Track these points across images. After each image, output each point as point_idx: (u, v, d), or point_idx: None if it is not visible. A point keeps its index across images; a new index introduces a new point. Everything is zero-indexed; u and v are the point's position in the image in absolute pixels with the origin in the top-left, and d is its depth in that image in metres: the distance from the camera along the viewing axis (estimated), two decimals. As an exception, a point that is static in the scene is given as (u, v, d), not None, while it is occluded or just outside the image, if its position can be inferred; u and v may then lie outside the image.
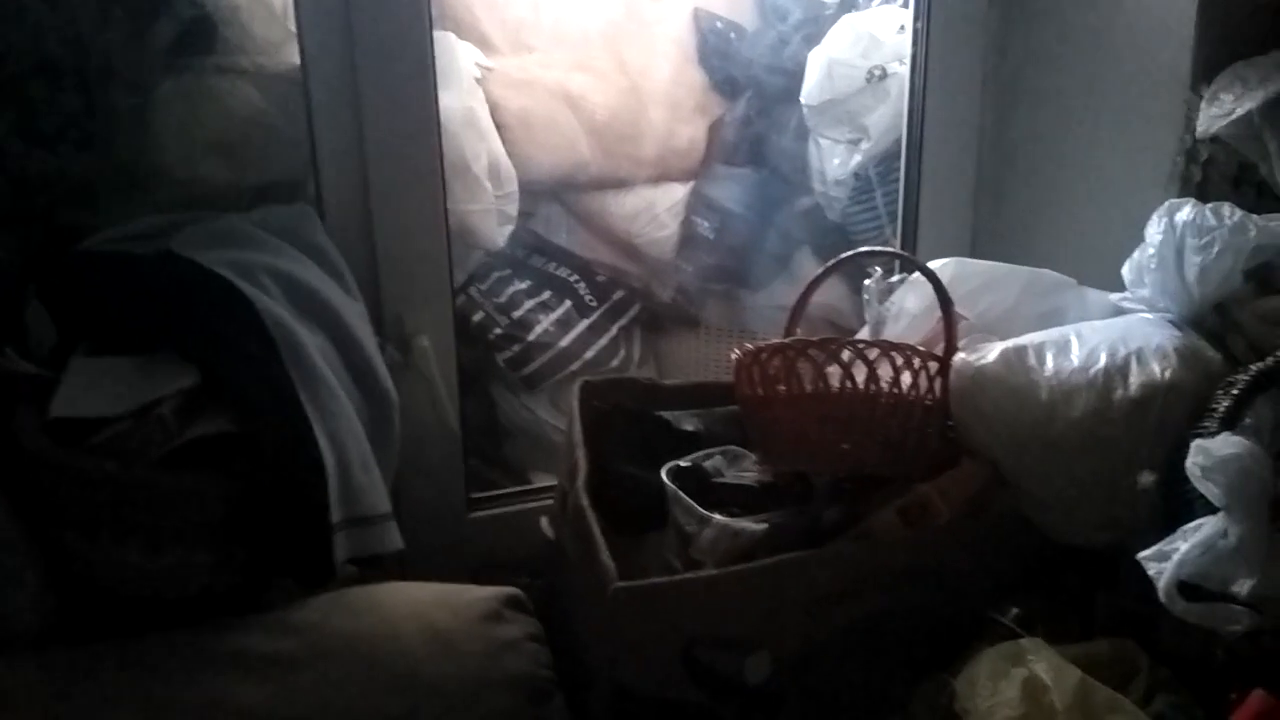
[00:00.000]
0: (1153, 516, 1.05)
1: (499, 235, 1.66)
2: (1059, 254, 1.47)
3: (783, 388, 1.17)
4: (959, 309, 1.27)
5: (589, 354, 1.89)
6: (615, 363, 1.91)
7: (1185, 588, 0.93)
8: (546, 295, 1.89)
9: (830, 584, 1.11)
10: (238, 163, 1.30)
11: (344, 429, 1.14)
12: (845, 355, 1.15)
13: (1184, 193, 1.31)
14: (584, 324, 1.89)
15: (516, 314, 1.85)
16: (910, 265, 1.26)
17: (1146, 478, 1.02)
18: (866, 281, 1.34)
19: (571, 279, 1.91)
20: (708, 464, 1.25)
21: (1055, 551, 1.17)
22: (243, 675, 1.00)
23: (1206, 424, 1.01)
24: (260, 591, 1.11)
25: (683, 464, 1.24)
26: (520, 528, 1.53)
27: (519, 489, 1.63)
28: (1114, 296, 1.28)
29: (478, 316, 1.84)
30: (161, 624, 1.04)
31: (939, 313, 1.22)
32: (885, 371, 1.16)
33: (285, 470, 1.05)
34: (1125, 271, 1.25)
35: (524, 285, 1.89)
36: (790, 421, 1.18)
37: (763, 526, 1.14)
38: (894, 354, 1.16)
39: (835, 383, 1.15)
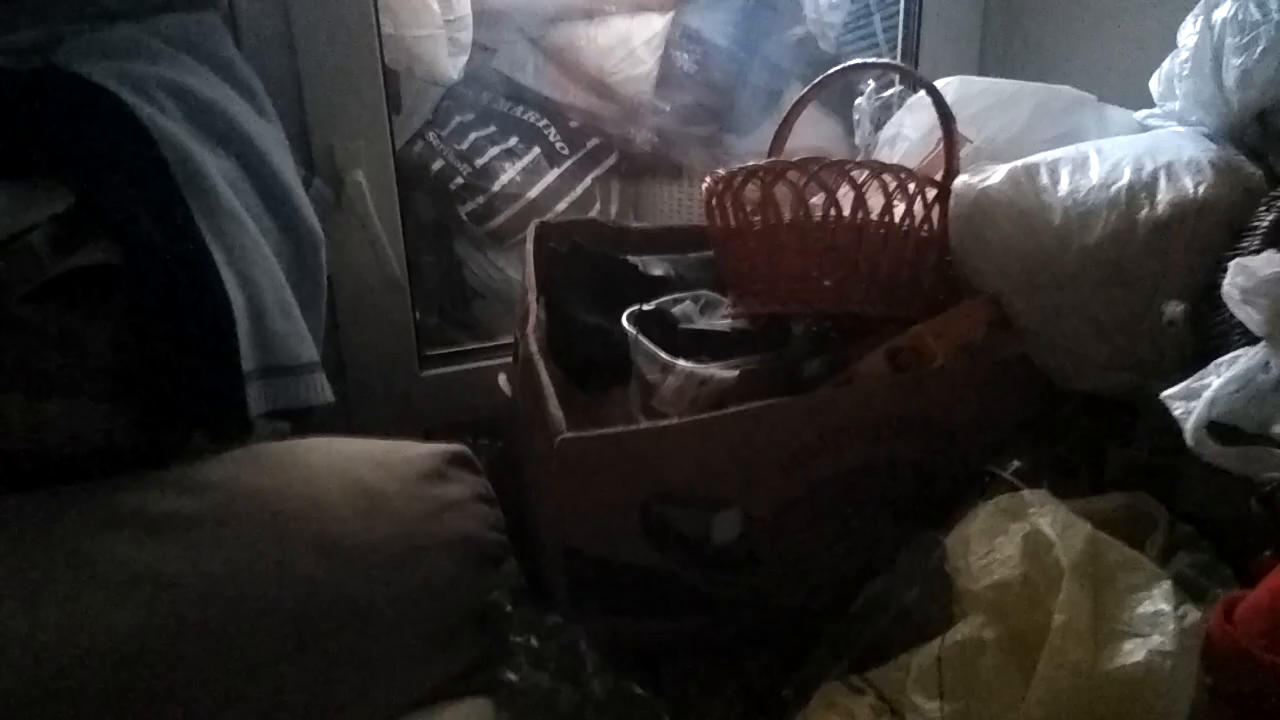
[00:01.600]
0: (1178, 354, 0.92)
1: (451, 67, 1.49)
2: (1076, 77, 1.30)
3: (758, 217, 1.03)
4: (963, 132, 1.12)
5: (561, 206, 1.73)
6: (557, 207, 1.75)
7: (1216, 429, 0.80)
8: (513, 142, 1.73)
9: (810, 434, 0.98)
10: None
11: (256, 267, 0.99)
12: (829, 179, 1.00)
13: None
14: (555, 174, 1.73)
15: (480, 162, 1.70)
16: (910, 80, 1.10)
17: (1174, 308, 0.88)
18: (858, 100, 1.18)
19: (540, 124, 1.75)
20: (676, 309, 1.12)
21: (1062, 400, 1.04)
22: (139, 535, 0.88)
23: (1245, 244, 0.87)
24: (172, 447, 0.99)
25: (646, 308, 1.10)
26: (478, 386, 1.41)
27: (477, 346, 1.50)
28: (1139, 114, 1.12)
29: (437, 165, 1.69)
30: (55, 482, 0.92)
31: (939, 135, 1.07)
32: (876, 199, 1.01)
33: (181, 310, 0.91)
34: (1153, 84, 1.09)
35: (488, 131, 1.73)
36: (766, 256, 1.04)
37: (733, 373, 1.01)
38: (886, 177, 1.01)
39: (818, 211, 1.00)
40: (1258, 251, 0.82)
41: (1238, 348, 0.82)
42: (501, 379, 1.30)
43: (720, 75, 1.68)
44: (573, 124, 1.77)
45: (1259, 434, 0.79)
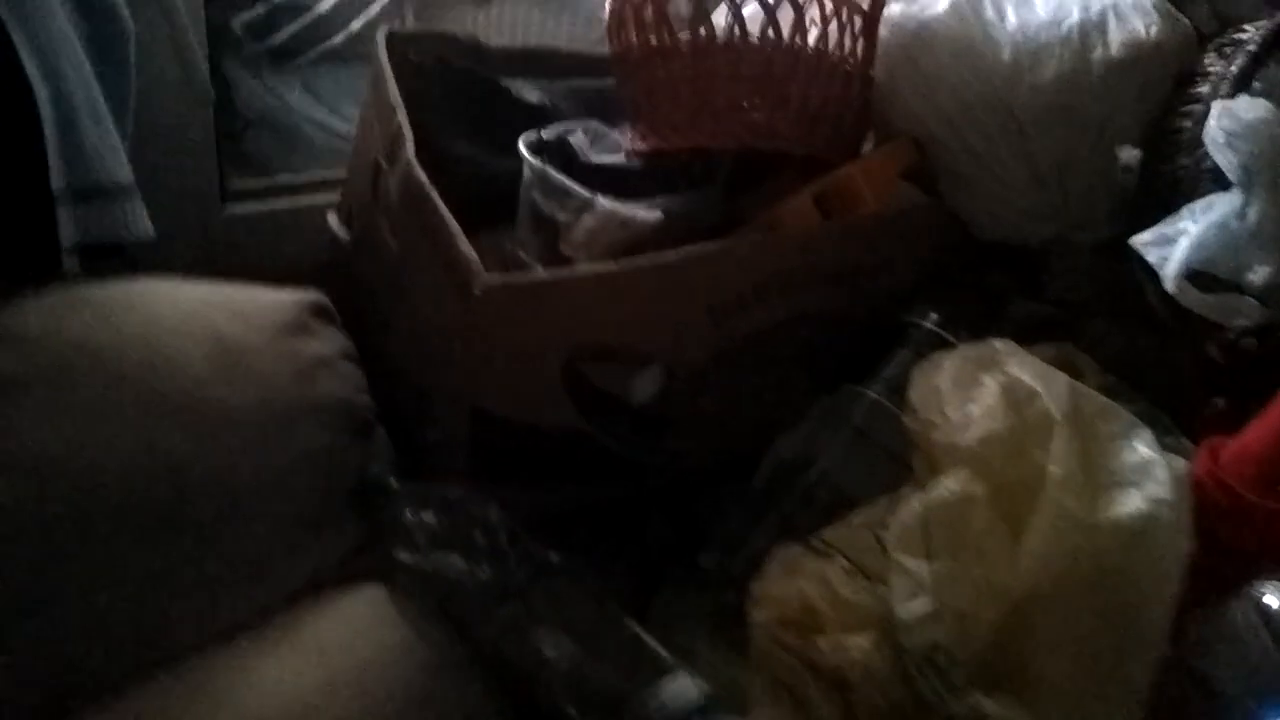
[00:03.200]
0: (1117, 202, 0.90)
1: None
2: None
3: (685, 36, 0.90)
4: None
5: (355, 24, 1.48)
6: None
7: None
8: (296, -58, 1.46)
9: (743, 284, 0.90)
10: None
11: (65, 60, 0.76)
12: (769, -7, 0.89)
13: None
14: (347, -18, 1.48)
15: (256, -37, 1.42)
16: None
17: (1129, 153, 0.86)
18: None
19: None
20: (572, 140, 0.98)
21: (973, 250, 1.02)
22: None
23: (1200, 89, 0.86)
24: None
25: (545, 135, 0.95)
26: (291, 227, 1.21)
27: (286, 183, 1.27)
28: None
29: (204, -37, 1.39)
30: None
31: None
32: (812, 21, 0.92)
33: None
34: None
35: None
36: (690, 82, 0.92)
37: (656, 214, 0.90)
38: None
39: (754, 29, 0.89)
40: (1230, 96, 0.80)
41: (1197, 195, 0.81)
42: (331, 218, 1.10)
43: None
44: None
45: (1230, 280, 0.78)
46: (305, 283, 1.17)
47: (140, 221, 0.83)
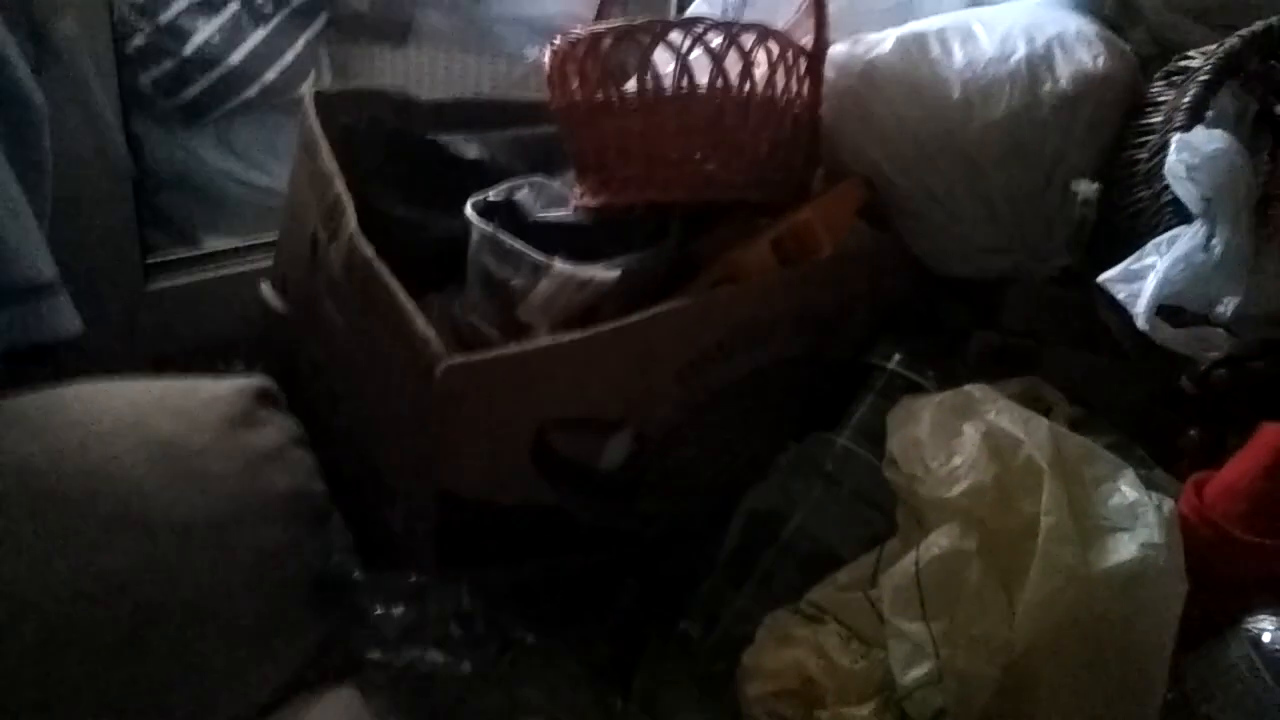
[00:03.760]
0: (1077, 235, 0.90)
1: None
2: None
3: (632, 88, 0.87)
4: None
5: (270, 75, 1.43)
6: (304, 87, 1.47)
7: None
8: (203, -7, 1.40)
9: (708, 340, 0.87)
10: None
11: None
12: (715, 41, 0.86)
13: None
14: (260, 34, 1.42)
15: (165, 18, 1.35)
16: None
17: (1088, 187, 0.85)
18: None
19: (235, -29, 1.43)
20: (518, 198, 0.94)
21: (929, 283, 1.01)
22: None
23: (1153, 119, 0.86)
24: None
25: (492, 197, 0.92)
26: (219, 298, 1.15)
27: (211, 250, 1.21)
28: (976, -16, 1.08)
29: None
30: None
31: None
32: (758, 67, 0.89)
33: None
34: (995, -48, 1.05)
35: (170, -23, 1.38)
36: (640, 135, 0.89)
37: (614, 273, 0.87)
38: (771, 43, 0.89)
39: (703, 79, 0.87)
40: (1185, 128, 0.80)
41: (1160, 227, 0.81)
42: (265, 287, 1.05)
43: (460, -77, 1.45)
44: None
45: (1199, 312, 0.78)
46: (238, 356, 1.12)
47: (67, 318, 0.78)
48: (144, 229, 1.41)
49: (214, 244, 1.25)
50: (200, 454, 0.77)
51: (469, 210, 0.89)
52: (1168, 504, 0.73)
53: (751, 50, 0.87)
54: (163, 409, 0.77)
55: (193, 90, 1.39)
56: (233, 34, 1.41)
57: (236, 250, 1.20)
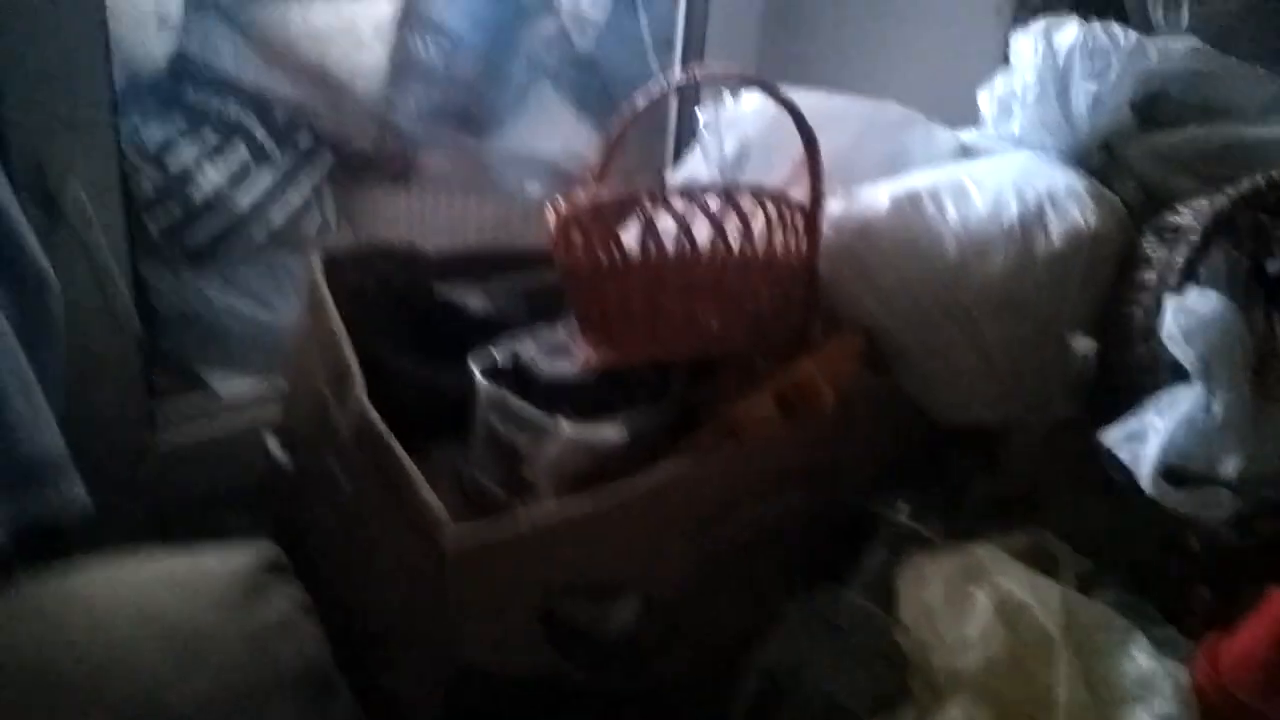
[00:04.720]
0: (1074, 389, 0.91)
1: (160, 46, 1.18)
2: (860, 86, 1.27)
3: (635, 252, 0.89)
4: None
5: (276, 219, 1.46)
6: (313, 229, 1.50)
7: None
8: (212, 140, 1.43)
9: (716, 499, 0.87)
10: None
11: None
12: (714, 206, 0.88)
13: (1019, 14, 1.18)
14: (266, 178, 1.46)
15: (172, 165, 1.39)
16: (768, 93, 0.98)
17: (1084, 343, 0.86)
18: (704, 117, 1.07)
19: (243, 118, 1.46)
20: (523, 355, 0.95)
21: (932, 434, 1.01)
22: None
23: (1146, 276, 0.87)
24: None
25: (497, 356, 0.93)
26: (224, 450, 1.15)
27: (217, 404, 1.22)
28: (966, 134, 1.11)
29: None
30: None
31: (793, 154, 0.99)
32: (757, 227, 0.91)
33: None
34: (984, 104, 1.08)
35: (178, 125, 1.42)
36: (644, 297, 0.90)
37: (621, 435, 0.88)
38: (767, 204, 0.91)
39: (704, 243, 0.89)
40: (1177, 287, 0.81)
41: (1159, 385, 0.82)
42: (270, 441, 1.05)
43: (463, 69, 1.49)
44: (280, 119, 1.50)
45: (1204, 474, 0.78)
46: (244, 508, 1.12)
47: (76, 498, 0.78)
48: (150, 370, 1.43)
49: (220, 384, 1.25)
50: (210, 637, 0.77)
51: (475, 370, 0.90)
52: (1182, 674, 0.73)
53: (750, 212, 0.89)
54: (171, 589, 0.78)
55: (201, 236, 1.42)
56: (239, 178, 1.44)
57: (240, 403, 1.20)
